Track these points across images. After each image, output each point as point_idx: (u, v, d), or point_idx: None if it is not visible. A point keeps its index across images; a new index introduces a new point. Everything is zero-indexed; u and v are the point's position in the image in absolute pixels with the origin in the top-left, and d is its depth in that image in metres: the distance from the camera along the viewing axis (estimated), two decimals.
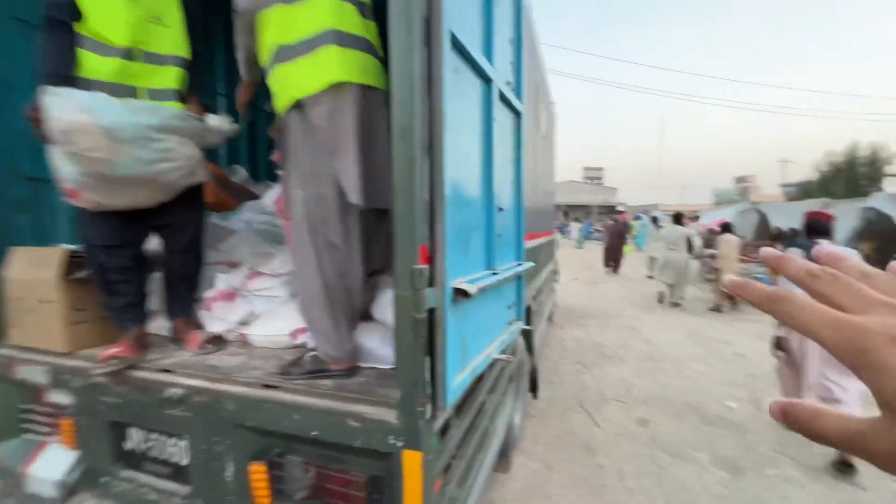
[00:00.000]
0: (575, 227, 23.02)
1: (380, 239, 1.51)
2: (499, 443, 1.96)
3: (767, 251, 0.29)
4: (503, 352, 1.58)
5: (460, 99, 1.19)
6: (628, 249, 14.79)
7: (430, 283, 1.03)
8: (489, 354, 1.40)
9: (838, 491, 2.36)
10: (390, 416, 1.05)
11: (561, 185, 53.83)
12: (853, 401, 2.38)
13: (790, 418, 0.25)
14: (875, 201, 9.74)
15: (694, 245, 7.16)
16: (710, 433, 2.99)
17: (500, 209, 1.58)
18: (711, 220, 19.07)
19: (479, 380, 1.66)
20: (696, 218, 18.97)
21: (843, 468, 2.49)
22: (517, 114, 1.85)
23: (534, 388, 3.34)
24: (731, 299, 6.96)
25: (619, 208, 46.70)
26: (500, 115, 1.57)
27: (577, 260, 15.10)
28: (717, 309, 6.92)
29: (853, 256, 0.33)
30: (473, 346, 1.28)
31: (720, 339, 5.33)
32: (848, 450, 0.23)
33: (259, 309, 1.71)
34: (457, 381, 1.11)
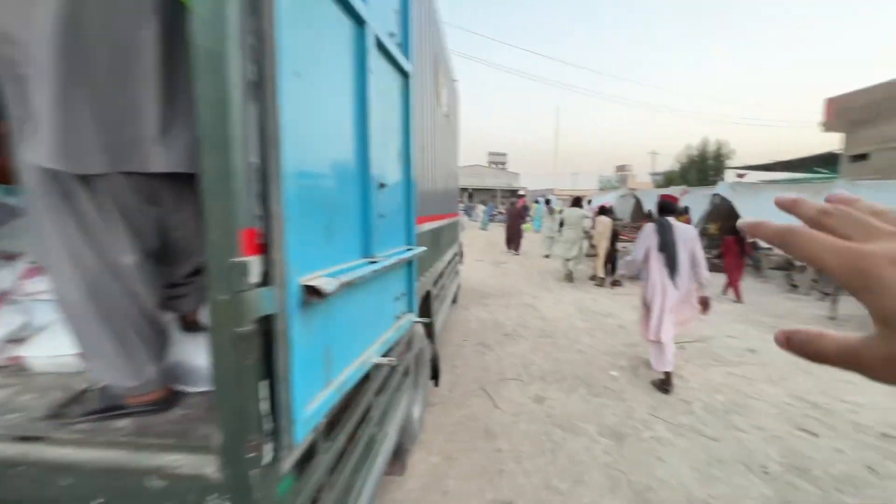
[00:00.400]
0: (481, 210, 23.79)
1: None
2: (391, 447, 1.76)
3: (782, 197, 0.29)
4: (388, 352, 1.35)
5: (311, 30, 0.89)
6: (528, 228, 15.99)
7: (265, 282, 0.74)
8: (366, 361, 1.16)
9: (698, 445, 2.65)
10: (208, 467, 0.75)
11: (467, 168, 55.06)
12: (669, 342, 3.35)
13: (793, 344, 0.28)
14: (719, 189, 11.58)
15: (586, 225, 8.15)
16: (597, 404, 3.17)
17: (382, 185, 1.32)
18: (598, 203, 21.19)
19: (365, 381, 1.42)
20: (589, 202, 21.13)
21: (663, 387, 3.40)
22: (404, 74, 1.59)
23: (435, 375, 3.21)
24: (611, 274, 7.79)
25: (521, 192, 49.64)
26: (380, 69, 1.29)
27: (482, 241, 15.58)
28: (599, 283, 7.71)
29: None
30: (342, 355, 1.03)
31: (605, 312, 5.83)
32: (845, 366, 0.26)
33: (40, 320, 1.22)
34: (312, 406, 0.85)
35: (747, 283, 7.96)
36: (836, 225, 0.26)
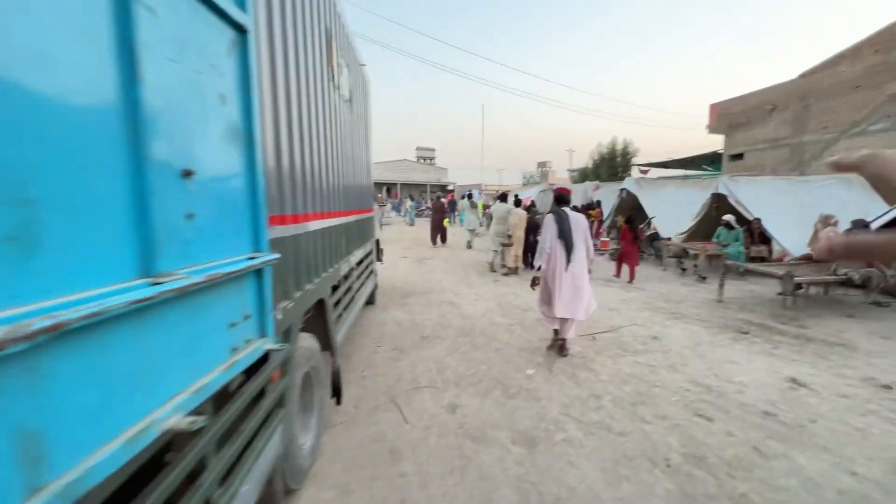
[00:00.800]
0: (409, 205, 23.34)
1: None
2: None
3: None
4: (196, 411, 0.98)
5: None
6: (447, 223, 16.11)
7: None
8: (150, 428, 0.80)
9: (608, 443, 2.61)
10: None
11: (395, 163, 54.25)
12: (576, 307, 3.85)
13: (833, 251, 0.34)
14: (626, 184, 12.47)
15: (511, 219, 8.42)
16: (511, 407, 3.05)
17: (189, 173, 0.95)
18: (523, 197, 21.97)
19: (197, 433, 1.05)
20: (516, 196, 21.84)
21: (558, 350, 4.01)
22: (238, 29, 1.21)
23: (336, 393, 2.86)
24: (524, 264, 8.04)
25: (450, 187, 50.05)
26: (172, 9, 0.92)
27: (409, 237, 15.25)
28: (512, 272, 8.22)
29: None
30: (80, 435, 0.66)
31: (525, 306, 5.85)
32: (882, 256, 0.33)
33: None
34: None
35: (650, 272, 8.61)
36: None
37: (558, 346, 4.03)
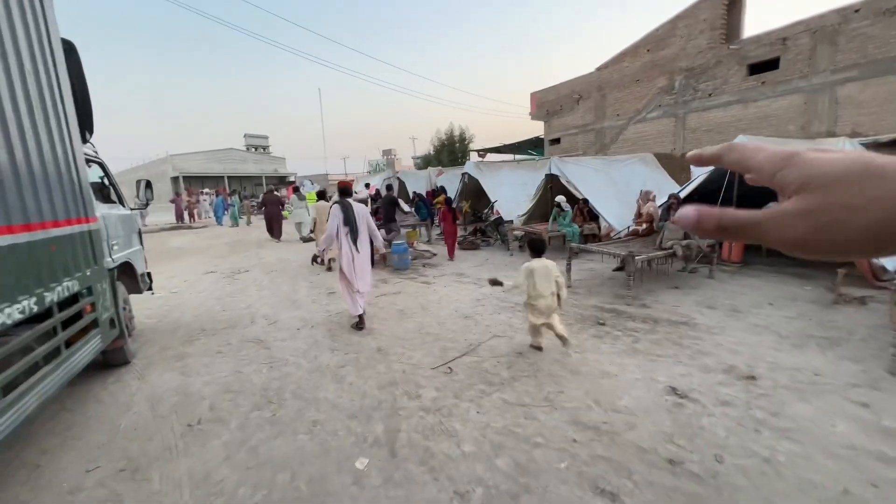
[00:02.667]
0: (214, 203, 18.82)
1: None
2: None
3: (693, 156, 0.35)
4: None
5: None
6: (287, 214, 14.70)
7: None
8: None
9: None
10: None
11: (219, 153, 46.27)
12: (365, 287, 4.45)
13: (702, 225, 0.30)
14: (467, 167, 12.18)
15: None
16: None
17: None
18: (361, 187, 20.62)
19: None
20: (367, 185, 20.36)
21: (358, 326, 4.47)
22: None
23: None
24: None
25: (291, 178, 45.12)
26: None
27: (224, 242, 12.20)
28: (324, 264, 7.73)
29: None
30: None
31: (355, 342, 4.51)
32: (746, 237, 0.29)
33: None
34: None
35: (499, 259, 8.23)
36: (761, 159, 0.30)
37: (356, 323, 4.50)
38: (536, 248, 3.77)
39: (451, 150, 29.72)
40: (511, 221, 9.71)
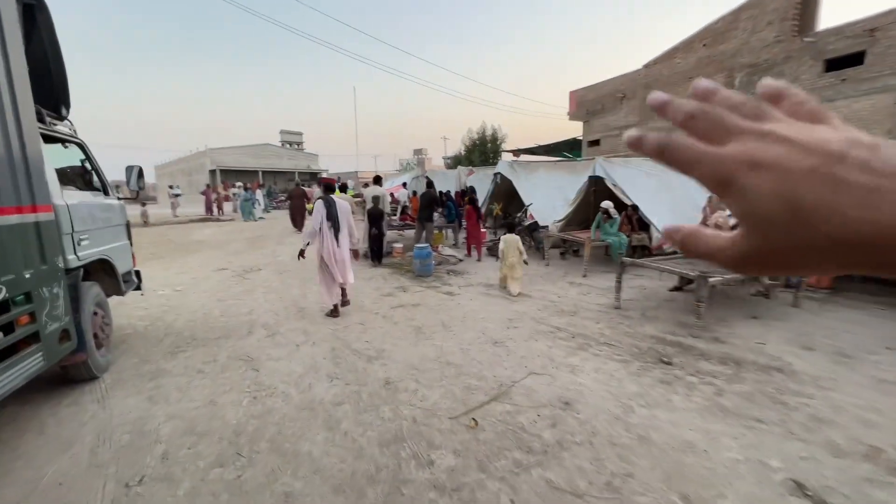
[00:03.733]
0: (261, 197, 18.86)
1: None
2: None
3: (655, 97, 0.28)
4: None
5: None
6: (310, 207, 14.39)
7: None
8: None
9: None
10: None
11: (254, 148, 47.34)
12: (346, 275, 4.73)
13: (673, 239, 0.28)
14: (500, 167, 11.34)
15: (385, 202, 8.22)
16: None
17: None
18: (393, 184, 20.31)
19: None
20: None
21: (333, 314, 4.76)
22: None
23: None
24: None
25: (323, 175, 45.67)
26: None
27: (243, 238, 11.84)
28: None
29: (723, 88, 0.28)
30: None
31: (371, 350, 3.78)
32: (713, 259, 0.27)
33: None
34: None
35: (534, 269, 7.36)
36: (701, 127, 0.26)
37: (331, 311, 4.74)
38: (509, 226, 6.33)
39: (483, 151, 28.83)
40: (546, 227, 8.81)
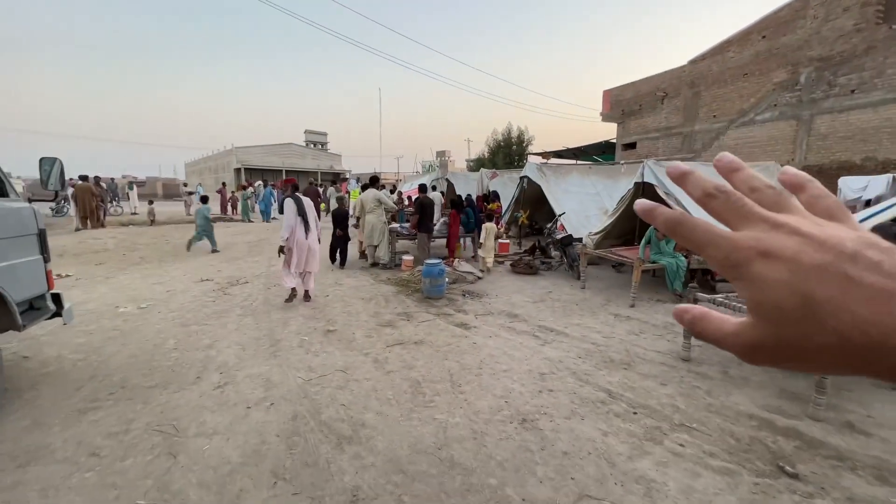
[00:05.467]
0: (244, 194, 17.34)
1: None
2: None
3: (676, 167, 0.29)
4: None
5: None
6: (323, 207, 15.30)
7: None
8: None
9: None
10: None
11: (279, 147, 47.63)
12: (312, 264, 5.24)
13: (683, 320, 0.28)
14: (527, 171, 10.13)
15: (387, 203, 7.49)
16: None
17: None
18: (412, 186, 19.52)
19: None
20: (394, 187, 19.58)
21: (290, 298, 5.33)
22: None
23: None
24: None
25: (346, 175, 45.57)
26: None
27: (244, 242, 10.97)
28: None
29: (749, 168, 0.28)
30: None
31: (358, 416, 2.67)
32: (722, 346, 0.26)
33: None
34: None
35: (569, 295, 6.11)
36: (718, 209, 0.27)
37: (296, 296, 5.34)
38: (489, 216, 7.84)
39: (508, 153, 27.53)
40: (580, 240, 7.53)
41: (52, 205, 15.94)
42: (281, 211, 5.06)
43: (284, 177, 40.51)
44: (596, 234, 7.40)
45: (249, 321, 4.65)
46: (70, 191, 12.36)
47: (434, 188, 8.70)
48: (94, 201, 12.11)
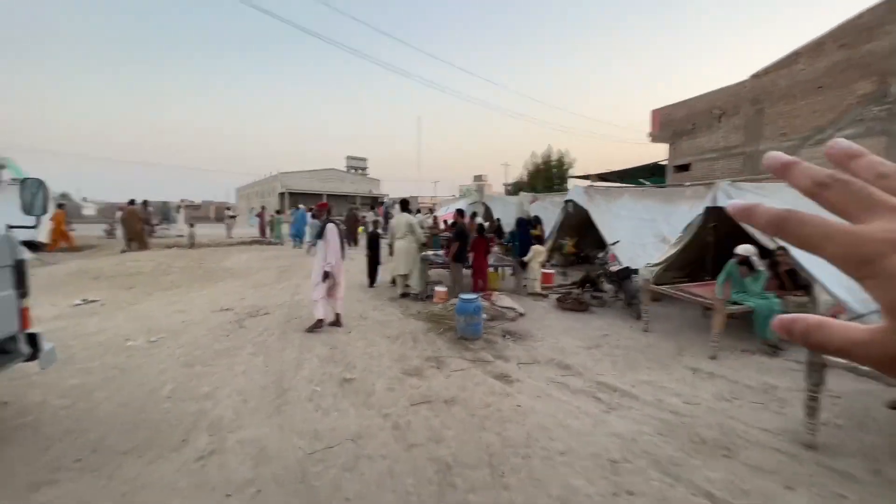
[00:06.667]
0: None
1: None
2: None
3: (775, 156, 0.26)
4: None
5: None
6: (361, 230, 16.42)
7: None
8: None
9: None
10: None
11: (321, 172, 49.48)
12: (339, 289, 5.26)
13: (793, 333, 0.24)
14: (572, 194, 9.31)
15: (416, 231, 6.89)
16: None
17: None
18: (448, 210, 19.14)
19: None
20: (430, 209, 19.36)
21: (314, 329, 5.06)
22: None
23: None
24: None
25: (384, 200, 46.43)
26: None
27: (275, 267, 10.72)
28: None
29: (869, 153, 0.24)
30: None
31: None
32: (849, 357, 0.23)
33: None
34: None
35: (629, 340, 5.15)
36: (835, 199, 0.23)
37: (321, 327, 5.07)
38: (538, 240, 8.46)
39: (548, 176, 26.67)
40: (637, 271, 6.58)
41: (106, 226, 16.75)
42: (318, 236, 4.95)
43: (326, 200, 41.71)
44: (656, 265, 6.42)
45: (259, 362, 4.10)
46: (119, 214, 12.85)
47: (462, 213, 8.06)
48: (139, 224, 12.47)
